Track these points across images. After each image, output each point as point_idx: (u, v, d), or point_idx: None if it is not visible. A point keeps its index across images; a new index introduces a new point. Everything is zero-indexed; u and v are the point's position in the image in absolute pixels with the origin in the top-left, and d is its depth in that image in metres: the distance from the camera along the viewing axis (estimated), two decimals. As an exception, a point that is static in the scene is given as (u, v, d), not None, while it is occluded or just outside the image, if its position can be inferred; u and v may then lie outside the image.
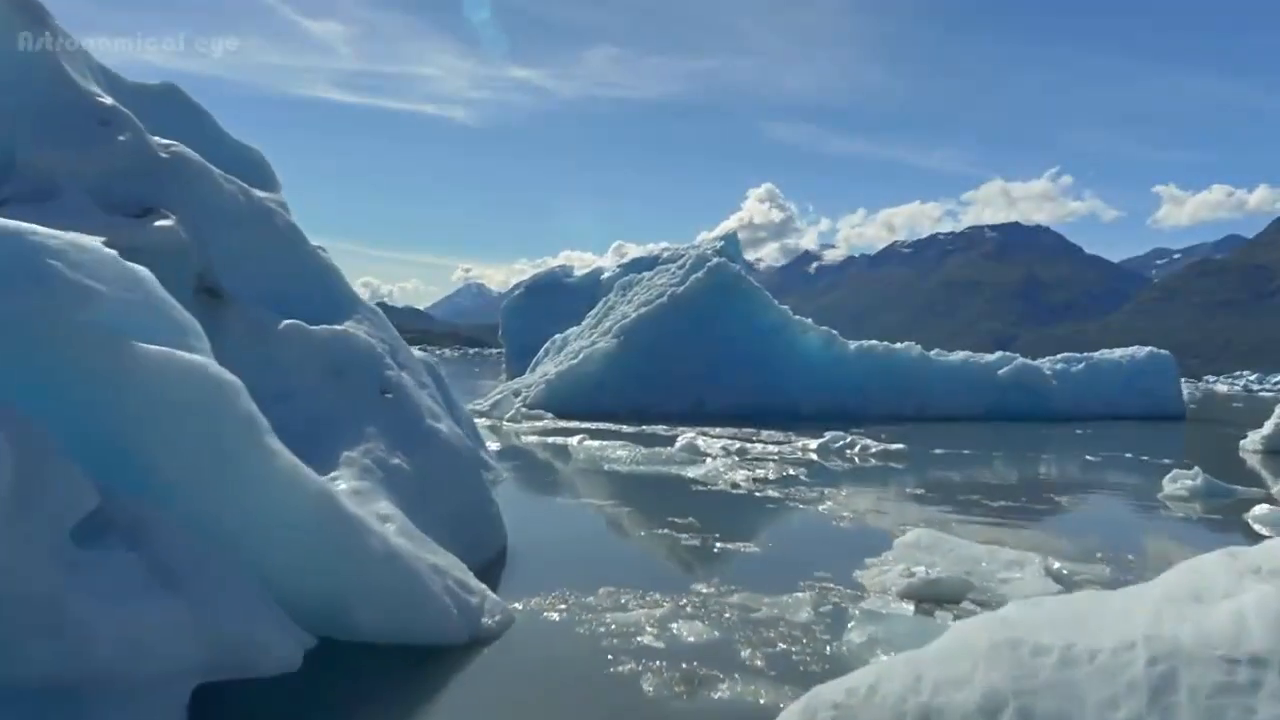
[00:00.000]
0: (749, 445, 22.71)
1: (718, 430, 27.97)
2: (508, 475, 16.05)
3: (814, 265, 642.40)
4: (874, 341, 40.11)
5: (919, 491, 17.39)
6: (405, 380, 12.11)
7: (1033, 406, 41.05)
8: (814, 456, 22.41)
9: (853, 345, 38.96)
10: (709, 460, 19.18)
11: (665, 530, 12.43)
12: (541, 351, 39.87)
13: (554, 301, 56.81)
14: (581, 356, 33.38)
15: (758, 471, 18.22)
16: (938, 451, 24.53)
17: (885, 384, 38.39)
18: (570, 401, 31.45)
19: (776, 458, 21.16)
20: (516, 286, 65.28)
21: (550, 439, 23.05)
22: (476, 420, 27.46)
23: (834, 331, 38.80)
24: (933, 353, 41.78)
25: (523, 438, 23.10)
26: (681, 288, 35.51)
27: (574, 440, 22.39)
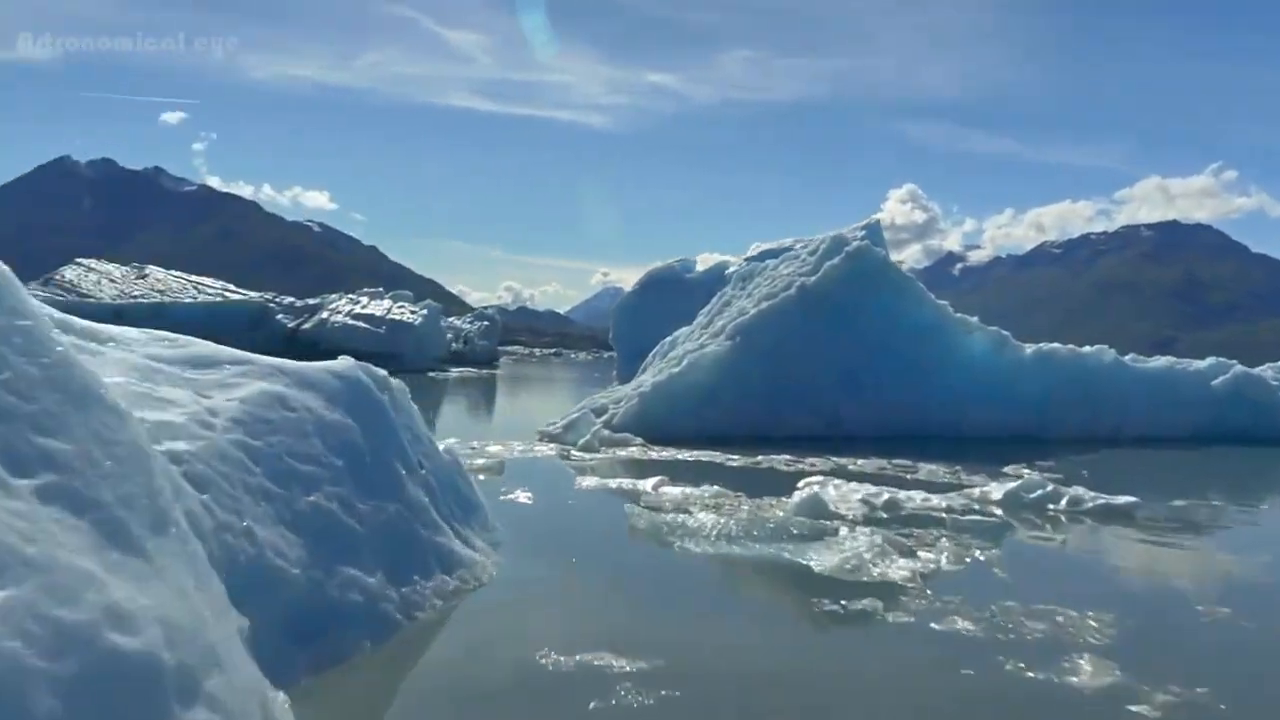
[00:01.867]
0: (902, 494, 15.69)
1: (859, 463, 20.99)
2: (491, 572, 9.53)
3: (958, 266, 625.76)
4: (1056, 345, 32.26)
5: (1220, 612, 9.92)
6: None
7: (1256, 425, 32.51)
8: (999, 513, 15.33)
9: (1029, 349, 31.21)
10: (843, 530, 12.32)
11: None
12: (650, 357, 33.31)
13: (673, 300, 50.06)
14: (685, 363, 26.68)
15: (923, 555, 11.29)
16: (1177, 503, 17.01)
17: (1072, 398, 30.52)
18: (668, 421, 24.82)
19: (945, 520, 14.15)
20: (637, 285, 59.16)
21: (617, 482, 16.43)
22: (540, 449, 21.19)
23: (1005, 333, 31.12)
24: (1127, 357, 33.65)
25: (582, 479, 16.56)
26: (813, 277, 28.45)
27: (648, 485, 15.83)
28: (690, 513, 13.12)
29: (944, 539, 12.40)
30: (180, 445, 6.53)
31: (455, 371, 65.79)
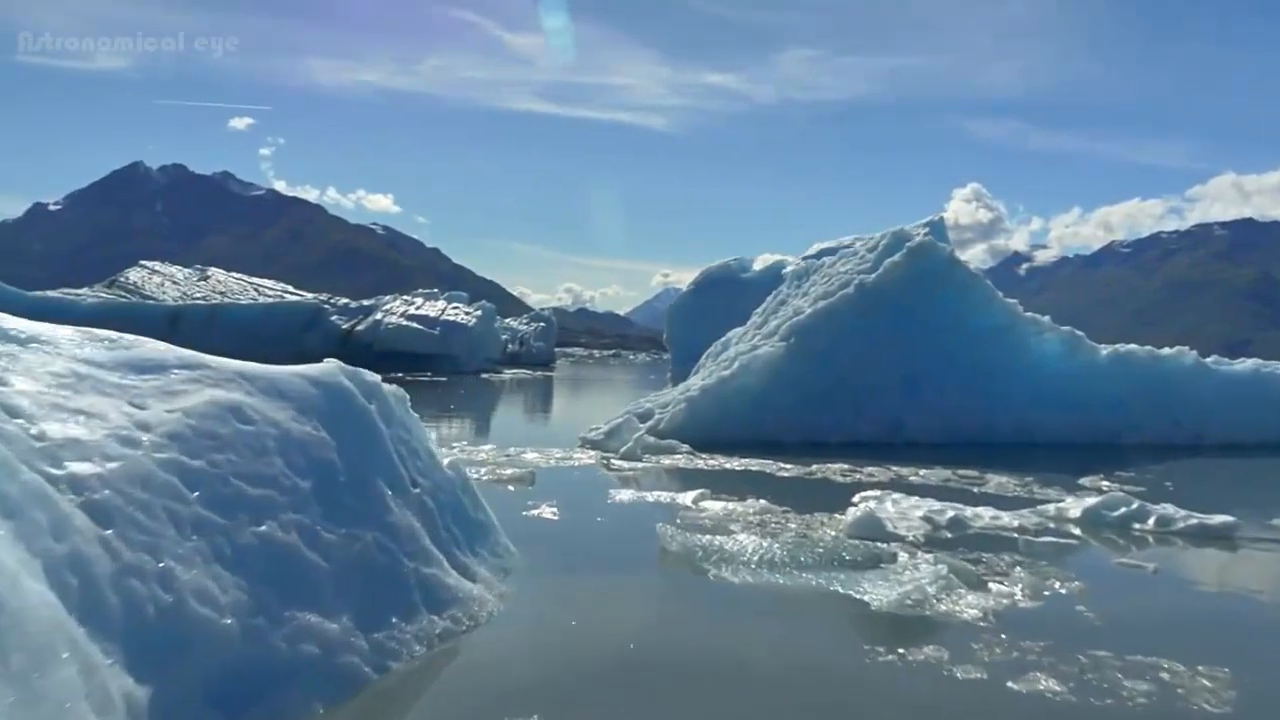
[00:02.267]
0: (968, 511, 14.17)
1: (921, 473, 19.45)
2: (491, 609, 8.25)
3: (1024, 266, 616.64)
4: (1133, 346, 30.27)
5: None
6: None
7: (1351, 433, 30.23)
8: (1078, 534, 13.75)
9: (1105, 351, 29.29)
10: (902, 556, 10.89)
11: None
12: (703, 359, 31.91)
13: (729, 300, 48.66)
14: (736, 366, 25.24)
15: (995, 587, 9.83)
16: (1277, 522, 15.26)
17: (1150, 402, 28.58)
18: (717, 427, 23.41)
19: (1017, 542, 12.63)
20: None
21: (655, 494, 15.07)
22: (579, 456, 19.96)
23: (1079, 333, 29.24)
24: (1209, 359, 31.52)
25: (617, 492, 15.23)
26: (873, 275, 26.86)
27: (688, 498, 14.49)
28: (731, 533, 11.76)
29: (1018, 566, 10.90)
30: (85, 468, 5.36)
31: (509, 373, 64.94)
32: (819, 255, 42.65)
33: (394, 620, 7.03)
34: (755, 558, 10.40)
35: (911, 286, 26.74)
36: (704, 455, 20.95)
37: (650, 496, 14.82)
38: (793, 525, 12.90)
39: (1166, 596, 10.65)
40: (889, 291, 26.54)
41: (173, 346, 7.49)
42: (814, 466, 19.68)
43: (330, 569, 6.68)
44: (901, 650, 7.69)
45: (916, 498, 14.65)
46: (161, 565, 5.36)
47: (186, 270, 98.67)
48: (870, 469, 19.60)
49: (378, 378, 8.90)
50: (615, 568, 10.43)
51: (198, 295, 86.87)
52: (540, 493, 14.80)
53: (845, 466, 19.75)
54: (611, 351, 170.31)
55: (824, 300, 26.65)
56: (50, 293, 67.52)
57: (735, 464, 19.99)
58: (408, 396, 9.46)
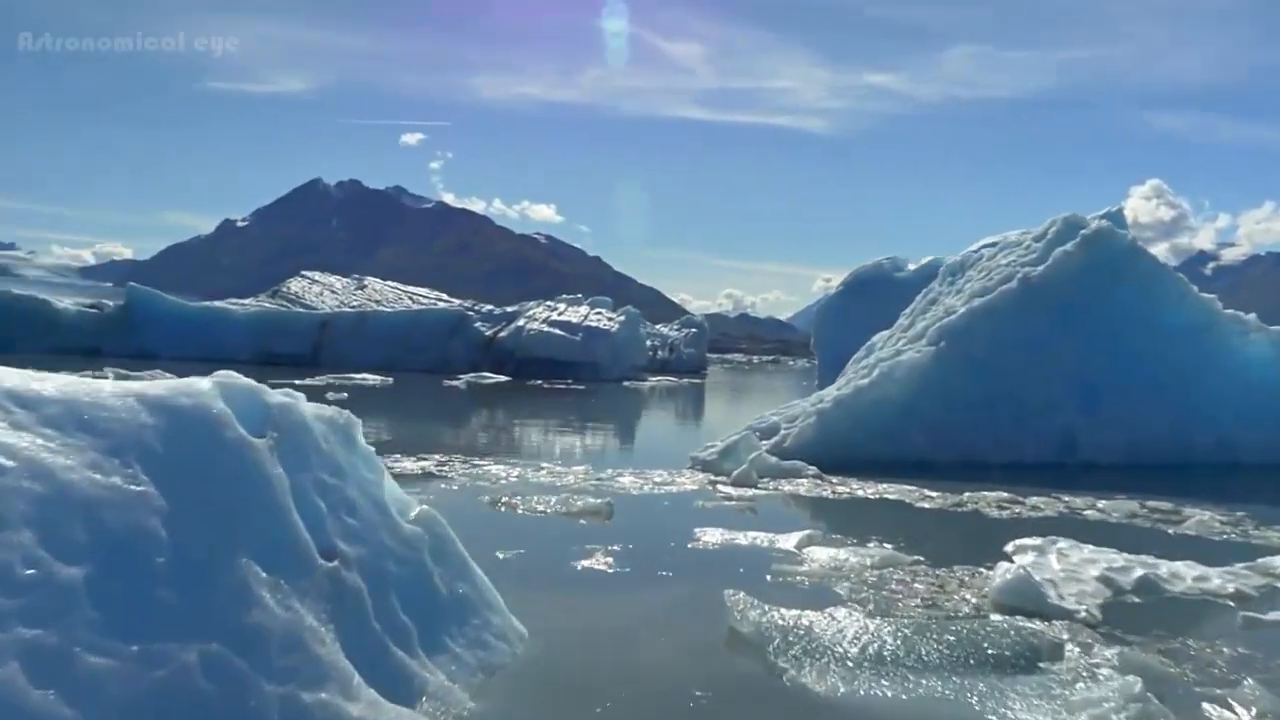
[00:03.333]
0: (1163, 568, 10.67)
1: (1099, 505, 15.87)
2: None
3: (1210, 266, 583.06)
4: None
5: None
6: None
7: None
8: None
9: (1328, 354, 24.58)
10: (1071, 650, 7.67)
11: None
12: (848, 365, 28.61)
13: (881, 302, 44.77)
14: (875, 373, 21.87)
15: (1214, 714, 6.59)
16: None
17: (1387, 416, 23.76)
18: (851, 444, 20.14)
19: (1237, 619, 9.14)
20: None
21: (751, 536, 12.00)
22: (683, 480, 17.13)
23: (1297, 333, 24.67)
24: None
25: (703, 531, 12.25)
26: (1040, 267, 23.06)
27: (790, 541, 11.49)
28: (831, 602, 8.73)
29: (1244, 669, 7.52)
30: None
31: (652, 380, 62.50)
32: (978, 251, 38.53)
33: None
34: (855, 650, 7.38)
35: (1087, 279, 22.82)
36: (833, 479, 17.81)
37: (744, 538, 11.84)
38: (920, 586, 9.79)
39: None
40: (1059, 286, 22.68)
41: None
42: (964, 495, 16.33)
43: (98, 715, 4.11)
44: None
45: (1091, 547, 11.21)
46: None
47: (345, 280, 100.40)
48: (1035, 499, 16.12)
49: (296, 398, 6.35)
50: (654, 661, 7.50)
51: (354, 303, 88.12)
52: (611, 531, 12.08)
53: (1004, 496, 16.32)
54: (771, 357, 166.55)
55: (981, 297, 23.00)
56: (214, 303, 68.91)
57: (869, 491, 16.80)
58: (356, 422, 6.87)
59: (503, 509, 13.33)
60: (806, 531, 11.96)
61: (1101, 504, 15.96)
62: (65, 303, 58.51)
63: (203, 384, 5.67)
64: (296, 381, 38.13)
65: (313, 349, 58.80)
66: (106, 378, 5.79)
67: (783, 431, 21.10)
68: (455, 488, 15.15)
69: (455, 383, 45.56)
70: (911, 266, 49.72)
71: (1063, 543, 11.39)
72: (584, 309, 69.22)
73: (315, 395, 33.82)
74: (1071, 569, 10.33)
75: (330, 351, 58.40)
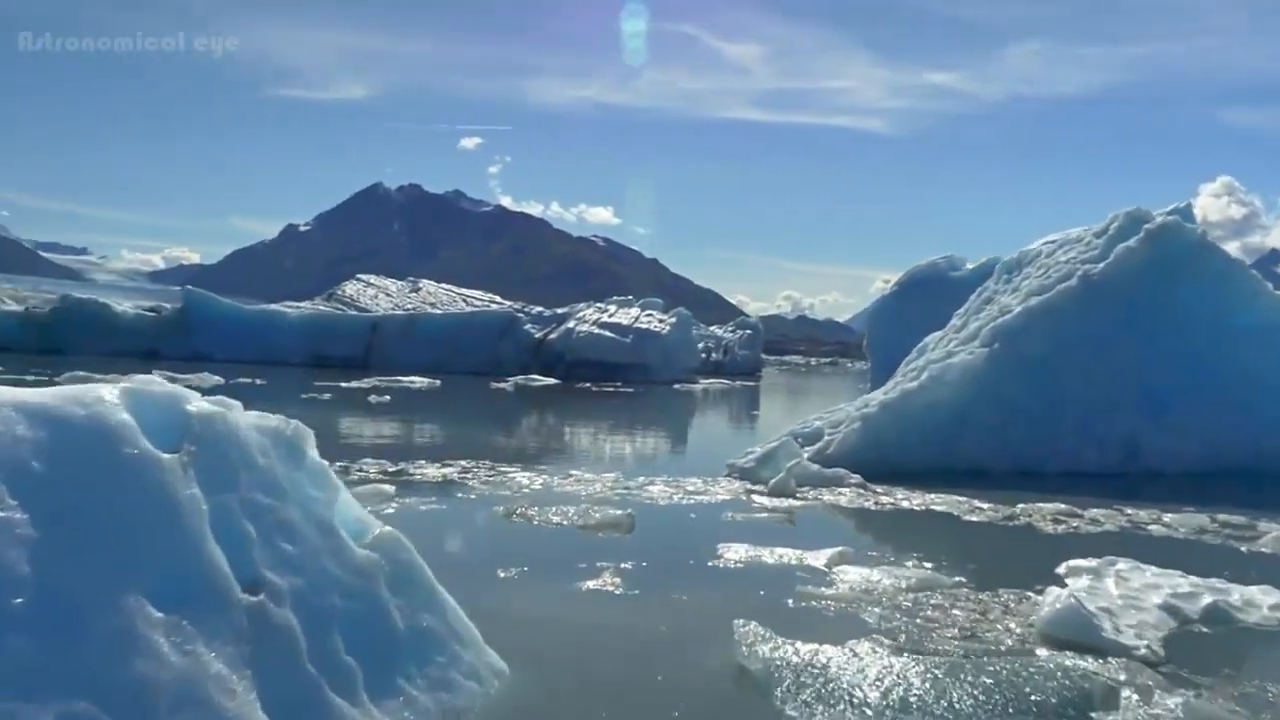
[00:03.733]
0: (1233, 592, 9.59)
1: (1165, 519, 14.70)
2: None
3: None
4: None
5: None
6: None
7: None
8: None
9: None
10: (1129, 696, 6.70)
11: None
12: (900, 368, 27.49)
13: (936, 302, 43.27)
14: (925, 376, 20.77)
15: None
16: None
17: None
18: (899, 451, 19.06)
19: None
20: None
21: (778, 552, 11.07)
22: (717, 489, 16.24)
23: (1382, 333, 23.05)
24: None
25: (728, 547, 11.35)
26: (1102, 264, 21.78)
27: (821, 559, 10.57)
28: (856, 635, 7.82)
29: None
30: None
31: (704, 383, 61.57)
32: (1038, 247, 37.05)
33: None
34: (875, 694, 6.47)
35: (1152, 277, 21.51)
36: (877, 488, 16.81)
37: (770, 556, 10.93)
38: (959, 613, 8.82)
39: None
40: (1123, 283, 21.39)
41: None
42: (1018, 507, 15.24)
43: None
44: None
45: (1154, 569, 10.14)
46: None
47: (399, 283, 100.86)
48: (1094, 511, 15.01)
49: (230, 405, 5.60)
50: (643, 705, 6.60)
51: (408, 306, 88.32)
52: (628, 546, 11.26)
53: (1061, 508, 15.22)
54: (829, 359, 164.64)
55: (1039, 296, 21.79)
56: (269, 305, 69.28)
57: (914, 501, 15.79)
58: (307, 433, 6.11)
59: (516, 520, 12.55)
60: (840, 548, 11.02)
61: (1168, 517, 14.79)
62: (124, 306, 59.23)
63: (105, 391, 4.95)
64: (343, 384, 37.88)
65: (364, 351, 58.83)
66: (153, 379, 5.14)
67: (826, 437, 20.09)
68: (473, 497, 14.41)
69: (503, 385, 45.05)
70: (969, 265, 48.03)
71: (1122, 564, 10.32)
72: (635, 310, 68.44)
73: (359, 397, 33.36)
74: (1131, 595, 9.28)
75: (381, 354, 58.38)
